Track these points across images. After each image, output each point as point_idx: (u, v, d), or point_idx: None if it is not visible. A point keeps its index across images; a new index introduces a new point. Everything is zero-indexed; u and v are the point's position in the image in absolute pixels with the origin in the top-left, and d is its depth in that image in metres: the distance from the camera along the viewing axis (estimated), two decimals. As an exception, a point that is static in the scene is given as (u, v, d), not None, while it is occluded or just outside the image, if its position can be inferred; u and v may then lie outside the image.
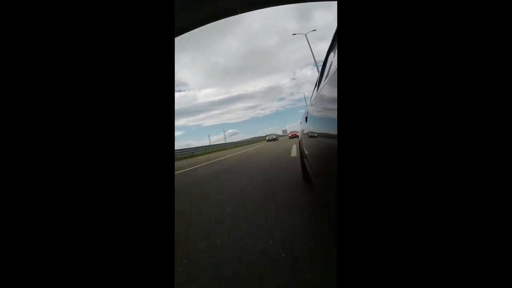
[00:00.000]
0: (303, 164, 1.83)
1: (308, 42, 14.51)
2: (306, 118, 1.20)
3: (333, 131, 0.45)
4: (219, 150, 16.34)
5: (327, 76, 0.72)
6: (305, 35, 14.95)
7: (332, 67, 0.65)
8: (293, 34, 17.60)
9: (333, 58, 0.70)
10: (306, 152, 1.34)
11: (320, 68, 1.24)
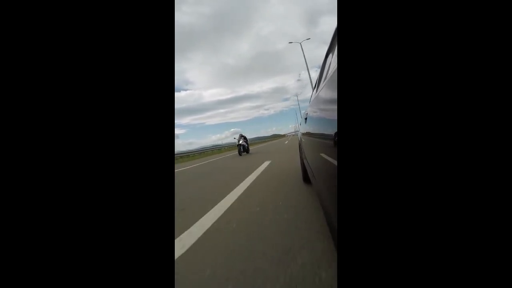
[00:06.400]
0: (303, 166, 1.82)
1: (302, 49, 17.05)
2: (306, 119, 1.20)
3: (332, 131, 0.45)
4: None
5: (326, 77, 0.72)
6: (300, 43, 17.24)
7: (331, 68, 0.66)
8: (289, 43, 19.41)
9: (332, 59, 0.71)
10: (305, 153, 1.34)
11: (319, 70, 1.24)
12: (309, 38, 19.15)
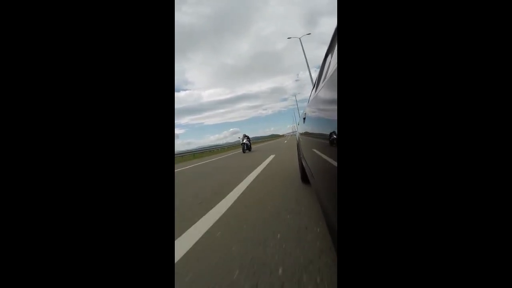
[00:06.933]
0: (301, 166, 1.82)
1: (302, 45, 16.61)
2: (304, 119, 1.20)
3: (332, 131, 0.45)
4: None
5: (325, 77, 0.73)
6: (299, 38, 16.85)
7: (330, 68, 0.66)
8: (288, 38, 19.07)
9: (331, 59, 0.71)
10: (304, 153, 1.34)
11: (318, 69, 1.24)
12: (309, 33, 18.56)
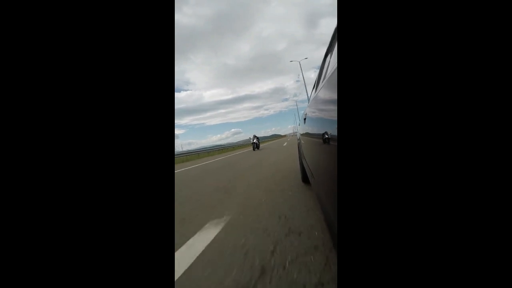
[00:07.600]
0: (302, 166, 1.82)
1: (300, 67, 20.58)
2: (305, 119, 1.20)
3: (332, 131, 0.45)
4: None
5: (325, 77, 0.73)
6: (299, 62, 20.77)
7: (330, 68, 0.66)
8: (290, 61, 24.67)
9: (331, 59, 0.71)
10: (304, 153, 1.34)
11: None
12: (307, 58, 22.93)
